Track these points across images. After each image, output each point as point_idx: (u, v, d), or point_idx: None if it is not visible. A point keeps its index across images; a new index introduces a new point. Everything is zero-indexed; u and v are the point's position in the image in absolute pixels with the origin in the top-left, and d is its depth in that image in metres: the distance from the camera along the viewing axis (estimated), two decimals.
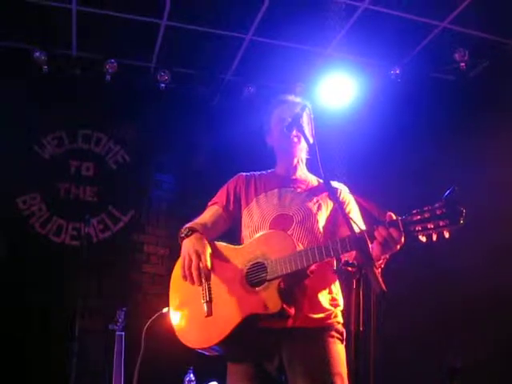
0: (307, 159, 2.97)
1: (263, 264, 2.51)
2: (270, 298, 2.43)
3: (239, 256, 2.62)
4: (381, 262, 2.37)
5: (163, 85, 5.78)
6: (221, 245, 2.75)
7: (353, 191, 2.89)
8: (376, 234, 2.25)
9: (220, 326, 2.51)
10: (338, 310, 2.70)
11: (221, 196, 2.95)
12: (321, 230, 2.70)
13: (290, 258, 2.44)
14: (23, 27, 5.23)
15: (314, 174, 2.95)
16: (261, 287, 2.48)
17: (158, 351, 3.12)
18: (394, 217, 2.25)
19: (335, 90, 5.70)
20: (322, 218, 2.73)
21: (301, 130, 2.67)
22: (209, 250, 2.63)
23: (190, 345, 2.62)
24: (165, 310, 2.84)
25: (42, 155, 5.82)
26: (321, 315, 2.60)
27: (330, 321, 2.63)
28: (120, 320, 4.56)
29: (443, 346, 4.81)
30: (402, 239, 2.24)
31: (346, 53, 5.51)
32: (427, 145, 5.31)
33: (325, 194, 2.78)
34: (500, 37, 5.17)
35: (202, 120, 5.97)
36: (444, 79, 5.67)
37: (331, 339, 2.60)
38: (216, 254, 2.68)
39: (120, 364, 4.40)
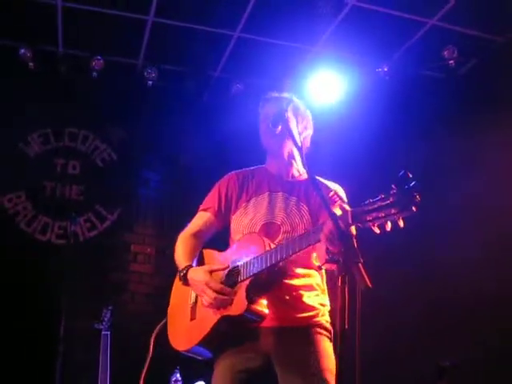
0: None
1: (237, 266, 2.56)
2: (238, 299, 2.47)
3: (221, 261, 2.70)
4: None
5: (150, 82, 5.73)
6: (208, 251, 2.84)
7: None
8: (325, 228, 2.16)
9: (200, 327, 2.58)
10: (326, 310, 2.68)
11: (212, 201, 2.88)
12: None
13: (258, 258, 2.47)
14: (8, 24, 5.17)
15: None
16: (234, 289, 2.51)
17: (144, 350, 3.11)
18: (348, 208, 2.15)
19: (324, 86, 5.66)
20: (309, 226, 2.65)
21: (286, 126, 2.63)
22: (206, 277, 2.54)
23: (177, 347, 2.70)
24: None
25: (28, 153, 5.75)
26: (307, 314, 2.59)
27: (316, 319, 2.61)
28: (106, 319, 4.53)
29: (433, 344, 4.79)
30: (353, 230, 2.14)
31: (335, 50, 5.48)
32: (416, 142, 5.30)
33: (316, 197, 2.67)
34: (489, 34, 5.17)
35: (189, 117, 5.91)
36: (433, 77, 5.66)
37: (319, 336, 2.58)
38: (203, 262, 2.78)
39: (106, 363, 4.36)
